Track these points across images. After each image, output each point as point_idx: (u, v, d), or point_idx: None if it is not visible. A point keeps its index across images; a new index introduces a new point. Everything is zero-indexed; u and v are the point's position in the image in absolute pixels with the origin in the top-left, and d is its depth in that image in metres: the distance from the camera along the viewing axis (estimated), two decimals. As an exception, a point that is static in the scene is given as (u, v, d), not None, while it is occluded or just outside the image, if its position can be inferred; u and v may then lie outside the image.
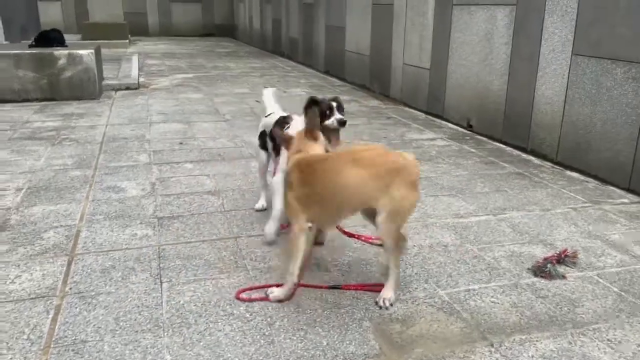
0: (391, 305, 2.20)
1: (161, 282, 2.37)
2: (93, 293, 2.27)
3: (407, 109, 6.45)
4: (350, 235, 2.79)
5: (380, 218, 2.07)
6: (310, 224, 2.13)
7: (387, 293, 2.22)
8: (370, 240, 2.77)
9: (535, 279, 2.46)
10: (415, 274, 2.48)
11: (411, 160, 2.11)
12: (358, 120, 5.83)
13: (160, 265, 2.51)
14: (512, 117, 4.73)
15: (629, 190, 3.65)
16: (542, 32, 4.31)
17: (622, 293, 2.36)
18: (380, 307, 2.19)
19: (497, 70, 4.91)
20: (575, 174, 3.98)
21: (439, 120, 5.81)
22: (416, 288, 2.35)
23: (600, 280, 2.46)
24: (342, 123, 2.58)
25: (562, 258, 2.60)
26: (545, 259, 2.59)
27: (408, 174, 2.06)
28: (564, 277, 2.46)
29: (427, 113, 6.15)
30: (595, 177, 3.90)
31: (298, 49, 10.96)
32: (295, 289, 2.24)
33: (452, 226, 3.01)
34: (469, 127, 5.36)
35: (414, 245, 2.77)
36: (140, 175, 3.79)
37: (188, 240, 2.78)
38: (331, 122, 2.58)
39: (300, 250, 2.15)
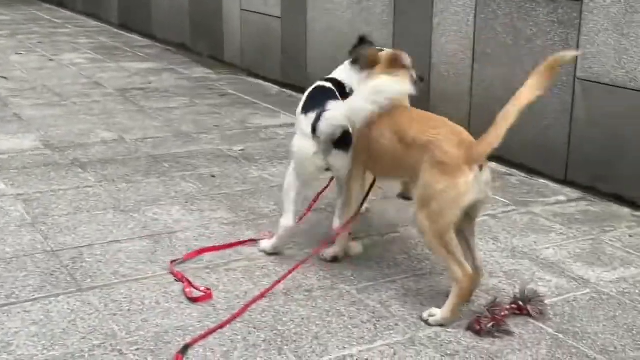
0: None
1: None
2: None
3: (251, 79, 6.50)
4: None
5: None
6: None
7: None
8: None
9: (439, 328, 2.58)
10: (264, 340, 2.47)
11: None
12: (175, 102, 5.76)
13: None
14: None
15: (565, 182, 4.00)
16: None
17: (560, 335, 2.54)
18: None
19: (376, 16, 5.12)
20: (493, 164, 4.26)
21: (300, 95, 5.92)
22: (265, 364, 2.35)
23: (530, 320, 2.63)
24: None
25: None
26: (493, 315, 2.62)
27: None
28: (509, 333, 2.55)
29: (282, 85, 6.25)
30: (520, 166, 4.23)
31: (73, -10, 10.62)
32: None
33: (317, 258, 3.06)
34: (345, 103, 5.54)
35: (265, 298, 2.74)
36: None
37: None
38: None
39: None
